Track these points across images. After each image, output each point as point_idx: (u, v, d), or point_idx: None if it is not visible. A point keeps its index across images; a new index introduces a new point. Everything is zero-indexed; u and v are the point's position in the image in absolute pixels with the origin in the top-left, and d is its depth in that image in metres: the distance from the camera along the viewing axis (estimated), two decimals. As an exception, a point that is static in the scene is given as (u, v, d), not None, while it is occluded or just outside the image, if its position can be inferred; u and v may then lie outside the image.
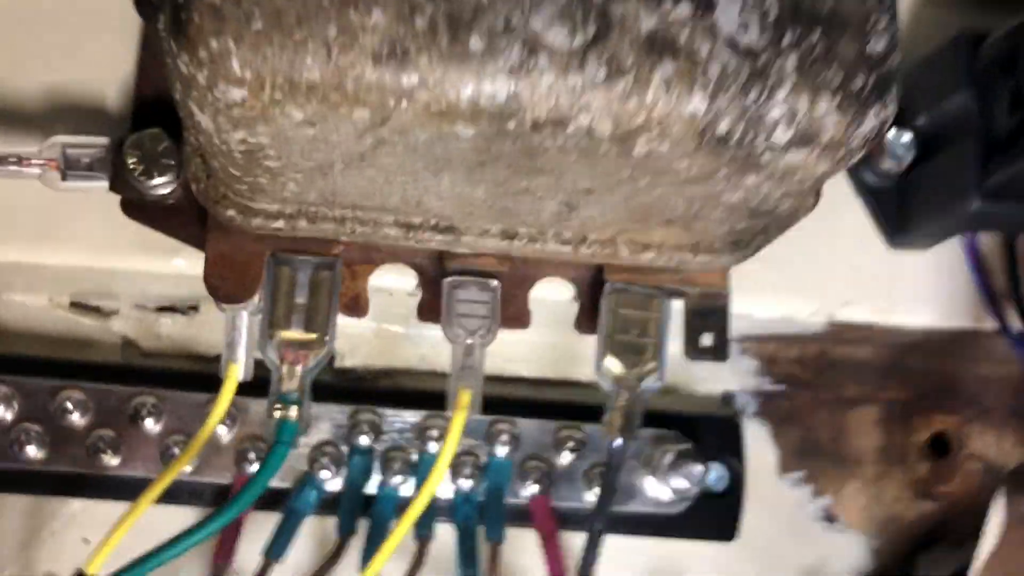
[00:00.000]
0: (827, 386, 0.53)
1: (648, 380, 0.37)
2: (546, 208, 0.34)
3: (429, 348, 0.49)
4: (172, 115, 0.38)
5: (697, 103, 0.27)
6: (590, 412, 0.47)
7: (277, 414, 0.36)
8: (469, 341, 0.37)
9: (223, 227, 0.36)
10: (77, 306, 0.47)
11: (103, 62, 0.41)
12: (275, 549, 0.41)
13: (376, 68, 0.26)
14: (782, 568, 0.51)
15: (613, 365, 0.37)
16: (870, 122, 0.28)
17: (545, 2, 0.26)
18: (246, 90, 0.26)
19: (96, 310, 0.47)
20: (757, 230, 0.36)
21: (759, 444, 0.51)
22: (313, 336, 0.36)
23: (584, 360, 0.50)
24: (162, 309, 0.47)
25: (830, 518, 0.52)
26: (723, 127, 0.27)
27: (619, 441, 0.36)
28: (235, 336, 0.37)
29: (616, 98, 0.27)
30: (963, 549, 0.52)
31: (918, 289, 0.46)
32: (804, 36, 0.28)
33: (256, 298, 0.37)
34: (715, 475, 0.48)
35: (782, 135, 0.28)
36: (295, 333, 0.36)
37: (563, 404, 0.48)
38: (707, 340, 0.39)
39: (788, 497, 0.52)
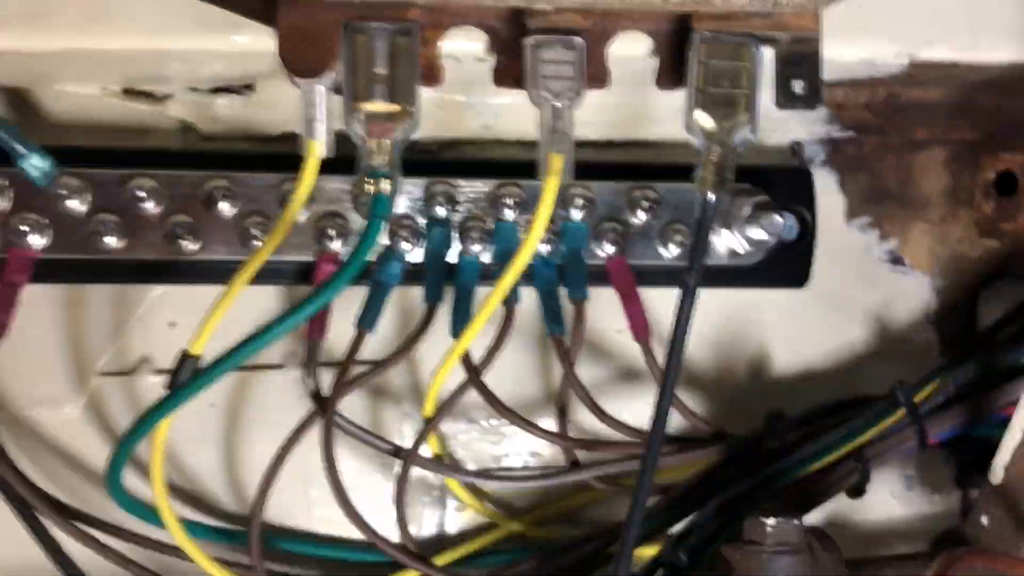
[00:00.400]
0: (895, 130, 0.52)
1: (741, 133, 0.36)
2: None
3: (491, 117, 0.48)
4: None
5: None
6: (661, 172, 0.47)
7: (370, 188, 0.35)
8: (557, 104, 0.36)
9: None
10: (130, 92, 0.45)
11: None
12: (367, 319, 0.42)
13: None
14: (850, 311, 0.52)
15: (704, 119, 0.36)
16: None
17: None
18: None
19: (149, 95, 0.46)
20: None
21: (827, 192, 0.51)
22: (398, 107, 0.35)
23: (651, 119, 0.49)
24: (216, 90, 0.46)
25: (896, 260, 0.53)
26: None
27: (712, 196, 0.36)
28: (312, 112, 0.36)
29: None
30: (1022, 283, 0.54)
31: (1001, 23, 0.44)
32: None
33: (333, 71, 0.35)
34: (786, 225, 0.48)
35: None
36: (379, 105, 0.35)
37: (633, 165, 0.48)
38: (799, 87, 0.37)
39: (856, 242, 0.52)
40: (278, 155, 0.45)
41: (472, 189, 0.45)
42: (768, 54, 0.38)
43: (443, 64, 0.38)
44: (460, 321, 0.43)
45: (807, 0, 0.35)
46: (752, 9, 0.35)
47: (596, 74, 0.39)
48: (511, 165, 0.46)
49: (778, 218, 0.44)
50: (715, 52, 0.37)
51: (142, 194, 0.42)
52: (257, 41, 0.39)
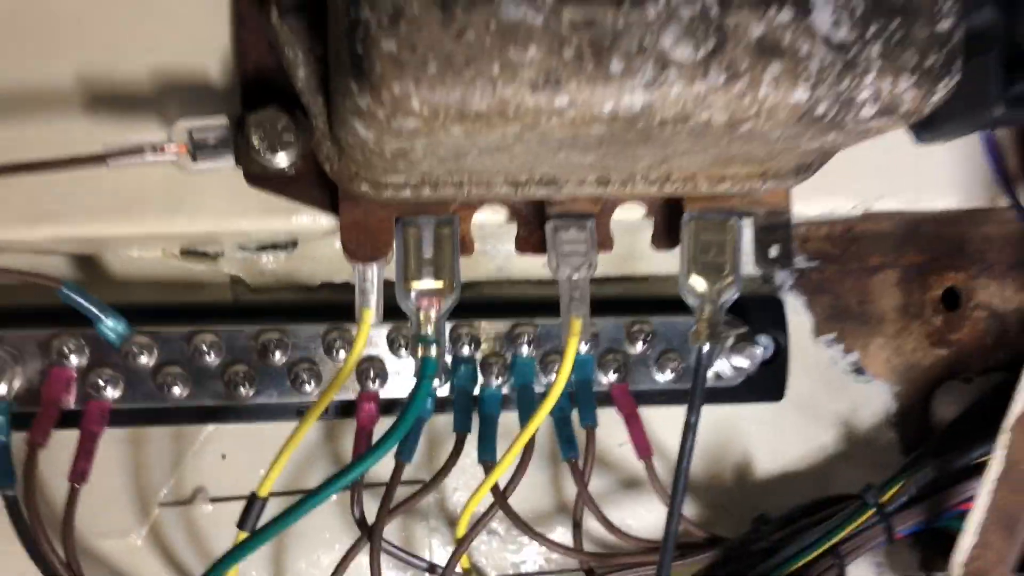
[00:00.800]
0: (852, 258, 0.59)
1: (727, 293, 0.43)
2: (641, 163, 0.39)
3: (503, 260, 0.54)
4: (278, 89, 0.42)
5: (800, 94, 0.32)
6: (653, 304, 0.54)
7: (420, 352, 0.42)
8: (575, 276, 0.42)
9: (354, 197, 0.40)
10: (187, 253, 0.51)
11: (202, 40, 0.43)
12: (406, 453, 0.48)
13: (533, 94, 0.30)
14: (821, 417, 0.59)
15: (698, 283, 0.43)
16: (940, 92, 0.33)
17: (671, 23, 0.30)
18: (420, 121, 0.30)
19: (204, 255, 0.51)
20: (822, 159, 0.41)
21: (796, 312, 0.58)
22: (442, 284, 0.42)
23: (641, 257, 0.56)
24: (263, 248, 0.52)
25: (859, 370, 0.60)
26: (820, 110, 0.32)
27: (707, 346, 0.42)
28: (366, 286, 0.42)
29: (734, 97, 0.31)
30: (972, 384, 0.61)
31: (941, 178, 0.52)
32: (885, 26, 0.32)
33: (386, 255, 0.42)
34: (763, 349, 0.55)
35: (868, 111, 0.33)
36: (427, 283, 0.41)
37: (629, 300, 0.55)
38: (774, 252, 0.45)
39: (823, 356, 0.59)
40: (321, 304, 0.52)
41: (491, 329, 0.51)
42: (747, 223, 0.45)
43: (474, 236, 0.45)
44: (486, 449, 0.49)
45: (779, 182, 0.42)
46: (732, 192, 0.42)
47: (603, 242, 0.46)
48: (524, 303, 0.52)
49: (757, 350, 0.51)
50: (703, 227, 0.44)
51: (204, 348, 0.48)
52: (314, 221, 0.45)
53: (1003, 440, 0.44)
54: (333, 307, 0.50)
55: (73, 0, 0.43)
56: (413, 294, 0.41)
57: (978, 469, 0.52)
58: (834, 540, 0.52)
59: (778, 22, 0.31)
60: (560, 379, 0.43)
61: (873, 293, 0.60)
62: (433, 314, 0.42)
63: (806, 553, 0.51)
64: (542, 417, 0.45)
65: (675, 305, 0.47)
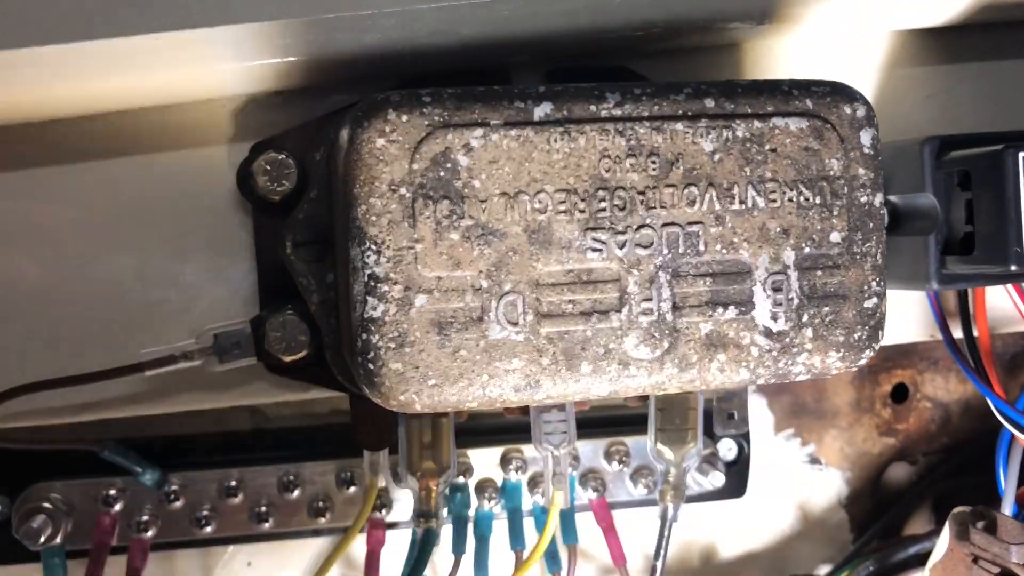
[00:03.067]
0: (811, 360, 0.65)
1: (689, 459, 0.50)
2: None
3: (495, 382, 0.60)
4: (289, 289, 0.47)
5: (742, 376, 0.37)
6: (627, 421, 0.60)
7: (422, 526, 0.48)
8: (556, 453, 0.49)
9: (362, 398, 0.46)
10: (210, 393, 0.57)
11: (224, 248, 0.48)
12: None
13: (516, 394, 0.36)
14: (781, 504, 0.66)
15: (664, 451, 0.49)
16: (865, 359, 0.39)
17: (632, 330, 0.36)
18: (423, 410, 0.36)
19: (225, 392, 0.57)
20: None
21: (759, 411, 0.64)
22: (441, 465, 0.48)
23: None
24: (278, 384, 0.58)
25: (814, 460, 0.67)
26: (759, 382, 0.38)
27: (671, 508, 0.49)
28: (375, 464, 0.49)
29: (685, 381, 0.37)
30: (917, 464, 0.68)
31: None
32: (817, 312, 0.37)
33: (391, 440, 0.48)
34: (727, 449, 0.61)
35: (801, 378, 0.38)
36: (427, 465, 0.48)
37: (608, 417, 0.61)
38: (732, 417, 0.51)
39: (782, 449, 0.66)
40: (331, 434, 0.58)
41: (483, 457, 0.57)
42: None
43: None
44: (480, 569, 0.56)
45: (735, 364, 0.48)
46: (695, 375, 0.48)
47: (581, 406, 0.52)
48: (513, 426, 0.59)
49: (719, 474, 0.58)
50: (668, 401, 0.50)
51: (231, 486, 0.55)
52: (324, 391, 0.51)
53: (925, 579, 0.51)
54: (343, 434, 0.57)
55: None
56: (415, 475, 0.48)
57: (913, 562, 0.59)
58: (786, 630, 0.60)
59: (723, 320, 0.37)
60: (544, 538, 0.50)
61: (828, 391, 0.66)
62: (433, 492, 0.48)
63: (761, 643, 0.59)
64: (534, 562, 0.52)
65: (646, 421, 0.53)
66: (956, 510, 0.49)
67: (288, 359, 0.46)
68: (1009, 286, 0.56)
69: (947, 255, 0.50)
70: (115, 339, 0.47)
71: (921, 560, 0.57)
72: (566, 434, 0.49)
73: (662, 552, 0.49)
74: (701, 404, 0.50)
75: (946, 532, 0.50)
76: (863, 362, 0.38)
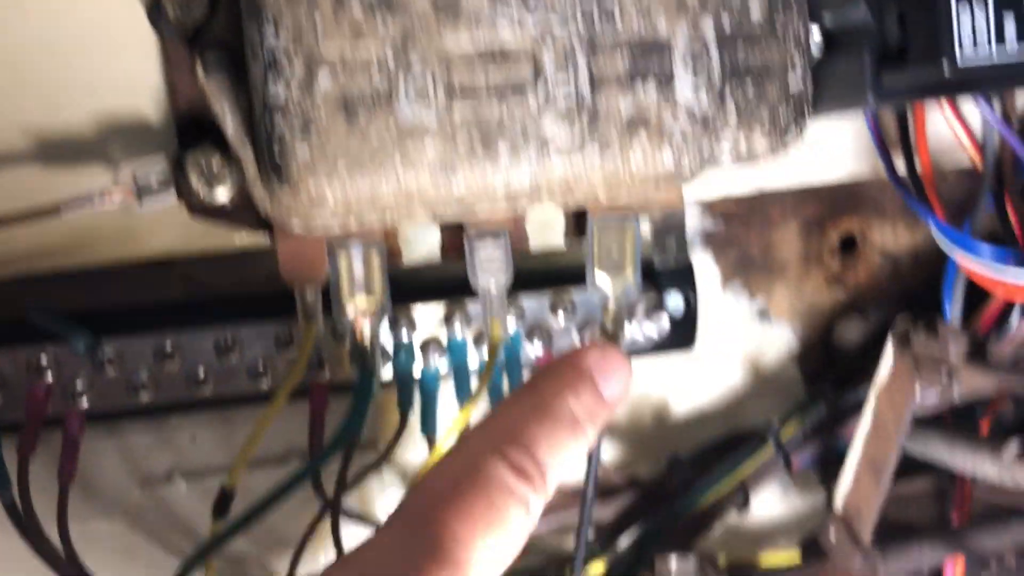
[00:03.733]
0: (755, 213, 0.65)
1: (629, 289, 0.49)
2: (543, 192, 0.43)
3: (434, 245, 0.59)
4: (210, 124, 0.46)
5: (666, 159, 0.36)
6: (572, 274, 0.59)
7: (358, 363, 0.47)
8: (492, 288, 0.48)
9: (287, 230, 0.45)
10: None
11: (134, 81, 0.47)
12: (357, 433, 0.54)
13: (433, 181, 0.35)
14: (731, 360, 0.66)
15: (603, 282, 0.49)
16: (791, 142, 0.38)
17: (549, 108, 0.35)
18: (336, 207, 0.35)
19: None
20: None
21: (705, 265, 0.64)
22: (374, 301, 0.47)
23: (557, 228, 0.61)
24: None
25: (764, 315, 0.66)
26: (684, 168, 0.37)
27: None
28: (308, 303, 0.47)
29: (608, 168, 0.36)
30: (867, 317, 0.68)
31: (829, 153, 0.57)
32: (740, 90, 0.36)
33: (322, 275, 0.47)
34: (674, 304, 0.61)
35: (727, 161, 0.38)
36: (360, 301, 0.46)
37: (551, 271, 0.60)
38: (671, 247, 0.50)
39: (730, 304, 0.65)
40: (269, 295, 0.57)
41: (426, 313, 0.56)
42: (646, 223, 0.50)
43: (402, 240, 0.50)
44: (428, 424, 0.55)
45: (671, 188, 0.47)
46: (631, 200, 0.47)
47: (519, 240, 0.51)
48: (457, 282, 0.58)
49: (666, 321, 0.57)
50: (606, 230, 0.49)
51: (166, 352, 0.53)
52: (254, 237, 0.49)
53: (870, 404, 0.51)
54: (280, 295, 0.55)
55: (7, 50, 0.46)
56: (348, 311, 0.47)
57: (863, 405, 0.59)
58: (740, 474, 0.59)
59: (645, 99, 0.35)
60: (485, 376, 0.49)
61: (775, 244, 0.66)
62: (367, 328, 0.47)
63: (715, 489, 0.59)
64: (475, 404, 0.51)
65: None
66: (898, 319, 0.48)
67: (210, 198, 0.45)
68: (950, 114, 0.56)
69: (883, 71, 0.49)
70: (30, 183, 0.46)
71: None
72: (503, 265, 0.48)
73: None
74: (638, 232, 0.49)
75: (889, 350, 0.50)
76: (789, 143, 0.38)
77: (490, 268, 0.47)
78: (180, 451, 0.59)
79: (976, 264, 0.52)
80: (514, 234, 0.50)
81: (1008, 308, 0.54)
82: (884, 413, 0.50)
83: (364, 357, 0.47)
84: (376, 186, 0.34)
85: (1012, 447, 0.54)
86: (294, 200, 0.34)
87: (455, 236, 0.50)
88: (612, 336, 0.48)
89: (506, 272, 0.48)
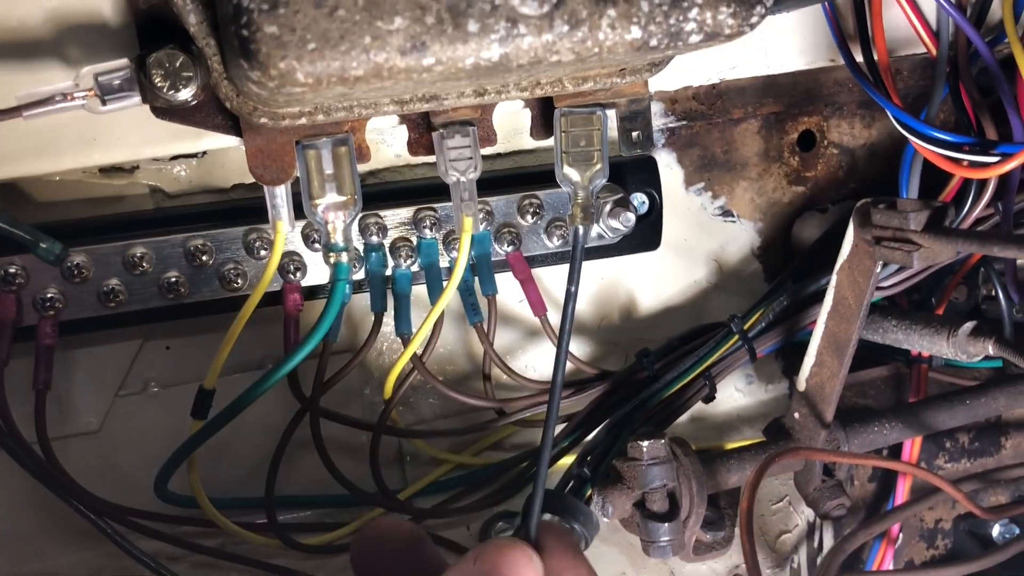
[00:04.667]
0: (717, 112, 0.65)
1: (596, 179, 0.49)
2: (511, 79, 0.44)
3: (400, 147, 0.59)
4: (171, 26, 0.45)
5: (635, 33, 0.37)
6: (541, 176, 0.60)
7: (332, 259, 0.47)
8: (463, 179, 0.48)
9: (255, 127, 0.45)
10: (105, 171, 0.55)
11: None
12: (332, 335, 0.55)
13: (403, 58, 0.35)
14: (694, 257, 0.67)
15: (571, 173, 0.49)
16: (756, 16, 0.38)
17: (518, -18, 0.35)
18: (306, 87, 0.35)
19: (121, 170, 0.55)
20: (672, 56, 0.47)
21: (669, 167, 0.65)
22: (345, 197, 0.47)
23: (524, 131, 0.61)
24: (174, 158, 0.56)
25: (726, 213, 0.67)
26: (653, 43, 0.37)
27: (581, 229, 0.49)
28: (277, 202, 0.48)
29: (577, 42, 0.36)
30: (827, 213, 0.69)
31: (787, 43, 0.58)
32: (706, -36, 0.37)
33: (291, 175, 0.47)
34: (639, 203, 0.62)
35: (695, 38, 0.38)
36: (331, 198, 0.47)
37: (519, 174, 0.61)
38: (636, 136, 0.51)
39: (694, 203, 0.66)
40: (237, 205, 0.57)
41: (396, 216, 0.57)
42: (612, 114, 0.51)
43: (369, 144, 0.50)
44: (402, 324, 0.56)
45: (636, 76, 0.48)
46: (596, 88, 0.48)
47: (487, 136, 0.51)
48: (425, 188, 0.58)
49: (631, 214, 0.58)
50: (573, 122, 0.49)
51: (136, 259, 0.53)
52: (219, 141, 0.49)
53: (833, 280, 0.53)
54: (249, 207, 0.56)
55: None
56: (319, 209, 0.47)
57: (824, 294, 0.61)
58: (705, 365, 0.61)
59: (612, -29, 0.36)
60: (457, 270, 0.50)
61: (737, 142, 0.67)
62: (340, 224, 0.47)
63: (682, 378, 0.60)
64: (446, 299, 0.52)
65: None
66: (860, 202, 0.50)
67: (174, 98, 0.45)
68: (905, 3, 0.57)
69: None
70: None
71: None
72: (471, 159, 0.48)
73: (575, 276, 0.49)
74: (605, 122, 0.50)
75: (850, 230, 0.51)
76: (755, 20, 0.38)
77: (459, 159, 0.48)
78: (155, 362, 0.59)
79: (934, 148, 0.53)
80: (482, 129, 0.50)
81: (964, 189, 0.55)
82: (845, 291, 0.51)
83: (337, 252, 0.47)
84: (347, 64, 0.34)
85: (967, 325, 0.56)
86: (263, 82, 0.34)
87: (423, 134, 0.50)
88: (583, 223, 0.48)
89: (475, 163, 0.48)
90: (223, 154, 0.56)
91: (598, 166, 0.49)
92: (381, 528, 0.40)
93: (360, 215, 0.56)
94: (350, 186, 0.47)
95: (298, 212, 0.50)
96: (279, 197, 0.48)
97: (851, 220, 0.50)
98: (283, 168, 0.46)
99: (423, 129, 0.50)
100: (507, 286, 0.60)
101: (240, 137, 0.48)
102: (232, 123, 0.47)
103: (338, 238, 0.47)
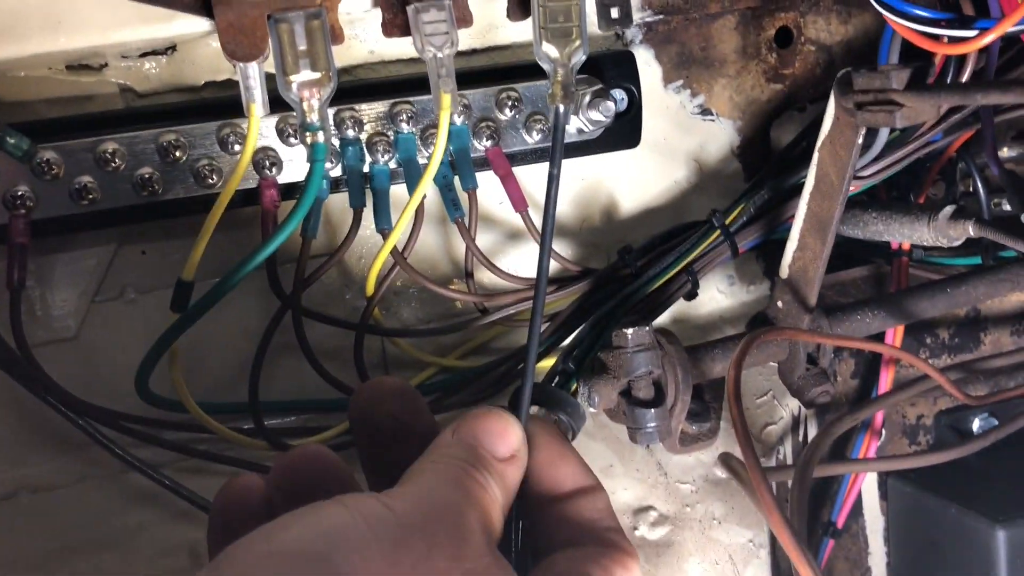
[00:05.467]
0: (694, 7, 0.65)
1: (576, 56, 0.49)
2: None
3: (374, 43, 0.58)
4: None
5: None
6: (518, 71, 0.59)
7: (309, 139, 0.47)
8: (440, 54, 0.47)
9: (226, 1, 0.44)
10: (72, 68, 0.54)
11: None
12: (310, 230, 0.54)
13: None
14: (674, 156, 0.67)
15: (550, 50, 0.48)
16: None
17: None
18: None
19: (89, 68, 0.54)
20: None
21: (646, 64, 0.64)
22: (320, 74, 0.46)
23: (501, 27, 0.60)
24: (144, 55, 0.55)
25: (705, 111, 0.67)
26: None
27: (562, 107, 0.48)
28: (250, 83, 0.47)
29: None
30: (805, 112, 0.69)
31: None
32: None
33: (264, 52, 0.46)
34: (618, 99, 0.61)
35: None
36: (306, 75, 0.46)
37: (496, 69, 0.60)
38: (615, 13, 0.50)
39: (673, 101, 0.66)
40: (209, 103, 0.56)
41: (372, 110, 0.56)
42: (589, -10, 0.50)
43: (347, 29, 0.49)
44: (382, 219, 0.55)
45: (612, -51, 0.47)
46: (574, -37, 0.47)
47: (463, 17, 0.50)
48: (400, 82, 0.57)
49: (611, 103, 0.57)
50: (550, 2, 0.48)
51: (108, 155, 0.52)
52: (191, 25, 0.48)
53: (815, 159, 0.52)
54: (220, 104, 0.54)
55: None
56: (294, 86, 0.46)
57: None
58: (687, 260, 0.61)
59: None
60: (437, 149, 0.49)
61: (714, 39, 0.66)
62: (316, 103, 0.46)
63: (664, 273, 0.60)
64: (426, 184, 0.51)
65: (538, 70, 0.52)
66: (840, 72, 0.49)
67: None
68: None
69: None
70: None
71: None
72: (447, 35, 0.48)
73: (557, 158, 0.48)
74: (583, -1, 0.49)
75: (831, 103, 0.51)
76: None
77: (435, 35, 0.47)
78: (131, 267, 0.58)
79: (913, 25, 0.53)
80: (457, 8, 0.49)
81: (943, 73, 0.55)
82: (828, 167, 0.51)
83: (313, 132, 0.47)
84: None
85: (947, 210, 0.56)
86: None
87: (397, 14, 0.49)
88: (563, 102, 0.47)
89: (451, 39, 0.47)
90: (193, 49, 0.55)
91: (577, 42, 0.49)
92: (378, 380, 0.40)
93: (335, 110, 0.55)
94: (324, 62, 0.46)
95: (273, 105, 0.49)
96: (252, 78, 0.46)
97: (832, 92, 0.50)
98: (255, 44, 0.45)
99: (397, 8, 0.49)
100: (486, 189, 0.59)
101: (210, 19, 0.47)
102: (202, 2, 0.46)
103: (314, 117, 0.46)
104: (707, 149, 0.67)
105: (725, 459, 0.57)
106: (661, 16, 0.64)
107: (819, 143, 0.52)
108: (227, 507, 0.37)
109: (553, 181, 0.48)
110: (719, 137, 0.67)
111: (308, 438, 0.59)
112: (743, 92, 0.68)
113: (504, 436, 0.38)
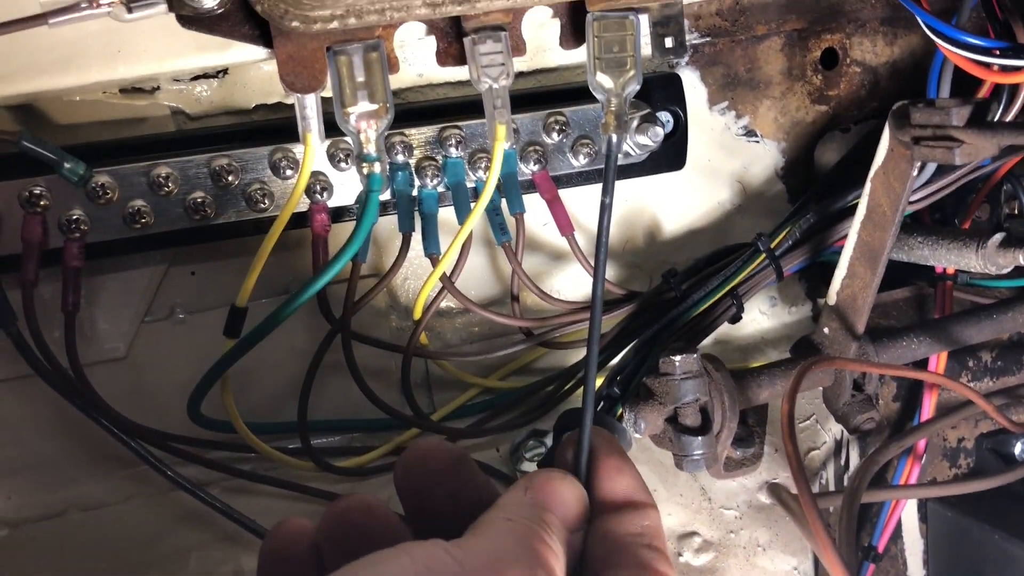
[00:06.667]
0: (740, 29, 0.64)
1: (630, 86, 0.49)
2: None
3: (423, 67, 0.59)
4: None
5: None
6: (566, 94, 0.59)
7: (365, 170, 0.47)
8: (496, 85, 0.47)
9: (285, 33, 0.44)
10: (125, 92, 0.54)
11: None
12: (361, 255, 0.54)
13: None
14: (718, 178, 0.66)
15: (604, 80, 0.48)
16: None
17: None
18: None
19: (141, 91, 0.54)
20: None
21: (692, 86, 0.64)
22: (377, 105, 0.46)
23: (548, 50, 0.60)
24: (196, 78, 0.55)
25: (750, 133, 0.67)
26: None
27: (615, 137, 0.48)
28: (307, 113, 0.47)
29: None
30: (850, 133, 0.69)
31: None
32: None
33: (323, 84, 0.46)
34: (664, 121, 0.61)
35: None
36: (363, 106, 0.46)
37: (544, 92, 0.60)
38: (669, 42, 0.50)
39: (718, 123, 0.66)
40: (259, 126, 0.56)
41: (421, 135, 0.56)
42: (644, 19, 0.50)
43: (398, 54, 0.49)
44: (431, 244, 0.56)
45: (668, -19, 0.47)
46: (629, -6, 0.47)
47: (517, 46, 0.50)
48: (448, 106, 0.57)
49: (659, 129, 0.57)
50: (605, 27, 0.48)
51: (161, 179, 0.52)
52: (247, 53, 0.48)
53: (867, 188, 0.52)
54: (271, 128, 0.55)
55: None
56: (352, 118, 0.46)
57: (851, 211, 0.60)
58: (732, 284, 0.61)
59: None
60: (490, 181, 0.49)
61: (760, 60, 0.66)
62: (372, 134, 0.46)
63: (709, 297, 0.60)
64: (477, 215, 0.51)
65: (585, 93, 0.52)
66: (896, 105, 0.49)
67: (201, 4, 0.44)
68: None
69: None
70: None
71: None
72: (504, 66, 0.48)
73: (610, 187, 0.48)
74: (638, 27, 0.49)
75: (886, 133, 0.50)
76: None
77: (492, 66, 0.47)
78: (180, 288, 0.58)
79: (965, 53, 0.52)
80: (512, 38, 0.49)
81: (994, 97, 0.55)
82: (880, 197, 0.51)
83: (370, 163, 0.47)
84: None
85: (996, 236, 0.56)
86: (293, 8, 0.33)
87: (452, 43, 0.50)
88: (616, 132, 0.47)
89: (507, 70, 0.47)
90: (245, 73, 0.55)
91: (631, 72, 0.49)
92: (425, 447, 0.39)
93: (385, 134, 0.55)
94: (382, 94, 0.46)
95: (325, 130, 0.49)
96: (309, 108, 0.47)
97: (887, 124, 0.49)
98: (314, 75, 0.45)
99: (452, 38, 0.49)
100: (531, 212, 0.59)
101: (267, 47, 0.47)
102: (259, 32, 0.46)
103: (371, 148, 0.47)
104: (751, 170, 0.67)
105: (775, 490, 0.57)
106: (708, 38, 0.63)
107: (872, 173, 0.52)
108: (277, 552, 0.37)
109: (606, 210, 0.48)
110: (763, 158, 0.67)
111: (353, 459, 0.59)
112: (788, 113, 0.67)
113: (578, 506, 0.38)
